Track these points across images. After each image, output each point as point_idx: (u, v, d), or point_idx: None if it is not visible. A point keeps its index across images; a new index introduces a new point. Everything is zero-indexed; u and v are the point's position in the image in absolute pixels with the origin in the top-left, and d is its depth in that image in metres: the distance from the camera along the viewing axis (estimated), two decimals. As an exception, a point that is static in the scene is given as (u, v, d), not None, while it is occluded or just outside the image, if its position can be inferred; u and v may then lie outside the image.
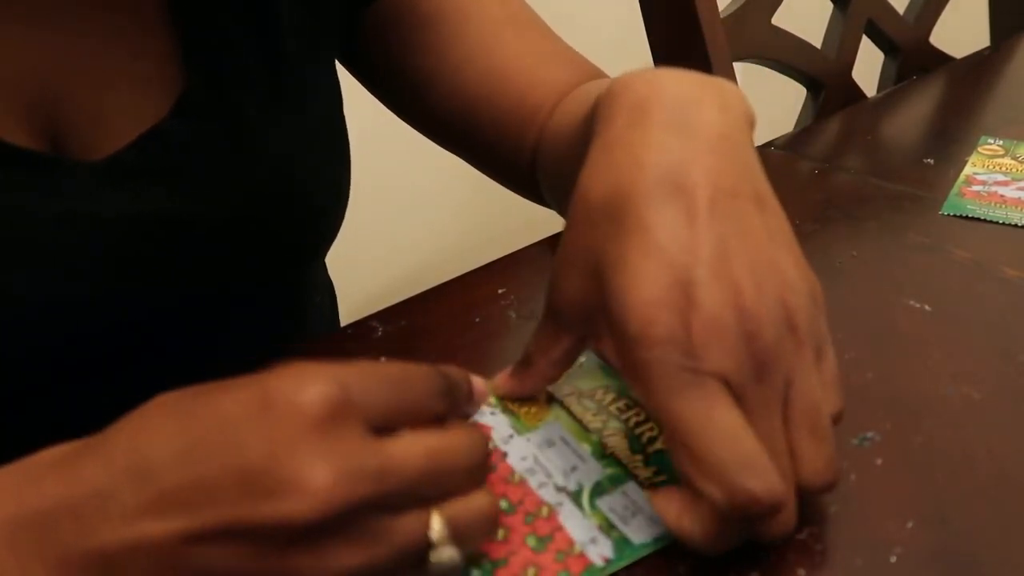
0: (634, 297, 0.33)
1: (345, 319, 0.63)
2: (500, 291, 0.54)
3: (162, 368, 0.49)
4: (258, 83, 0.49)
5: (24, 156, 0.42)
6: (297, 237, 0.54)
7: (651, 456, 0.40)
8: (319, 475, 0.28)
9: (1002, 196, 0.59)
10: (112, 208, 0.45)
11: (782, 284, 0.34)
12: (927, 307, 0.49)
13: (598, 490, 0.38)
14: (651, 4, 0.77)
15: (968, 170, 0.63)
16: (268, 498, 0.28)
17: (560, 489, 0.39)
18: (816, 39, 0.87)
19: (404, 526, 0.30)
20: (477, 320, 0.52)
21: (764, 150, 0.70)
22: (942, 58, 0.94)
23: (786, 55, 0.84)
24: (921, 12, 0.93)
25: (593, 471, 0.39)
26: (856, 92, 0.90)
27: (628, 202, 0.34)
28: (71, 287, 0.44)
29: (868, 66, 0.93)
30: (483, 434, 0.34)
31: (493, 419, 0.42)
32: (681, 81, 0.37)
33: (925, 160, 0.66)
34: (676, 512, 0.34)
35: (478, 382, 0.36)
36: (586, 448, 0.41)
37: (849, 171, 0.66)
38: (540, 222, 0.69)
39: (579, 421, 0.42)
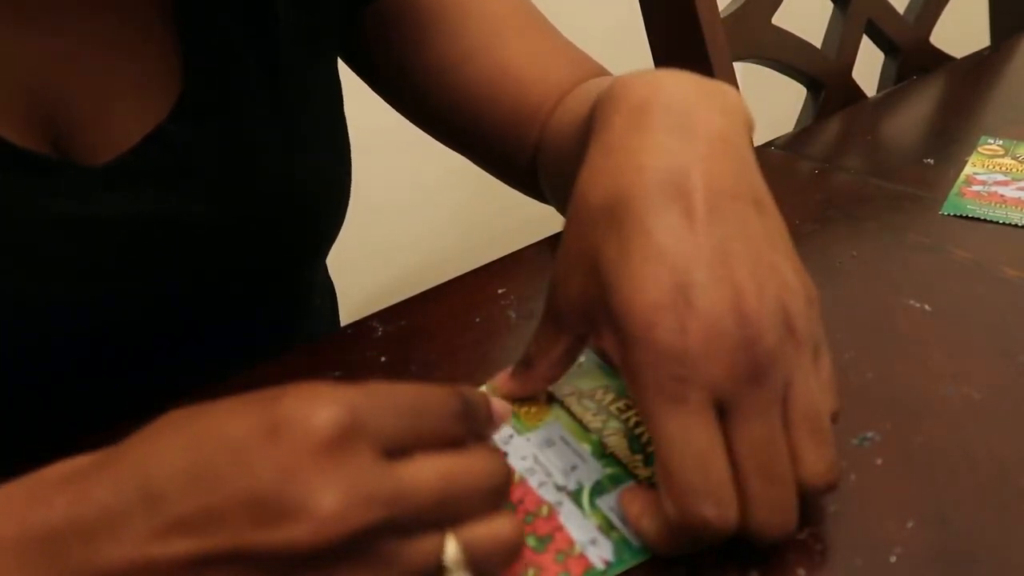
0: (635, 299, 0.33)
1: (345, 319, 0.63)
2: (500, 291, 0.54)
3: (163, 369, 0.49)
4: (258, 84, 0.49)
5: (26, 159, 0.42)
6: (298, 237, 0.54)
7: (651, 456, 0.40)
8: (328, 500, 0.28)
9: (1002, 196, 0.59)
10: (114, 210, 0.45)
11: (781, 286, 0.34)
12: (927, 307, 0.49)
13: (598, 489, 0.38)
14: (651, 4, 0.77)
15: (968, 170, 0.63)
16: (277, 523, 0.27)
17: (560, 488, 0.39)
18: (816, 39, 0.87)
19: (416, 550, 0.30)
20: (477, 320, 0.52)
21: (764, 150, 0.70)
22: (942, 58, 0.94)
23: (786, 55, 0.84)
24: (921, 12, 0.93)
25: (593, 471, 0.39)
26: (856, 92, 0.90)
27: (628, 204, 0.34)
28: (73, 288, 0.44)
29: (868, 66, 0.93)
30: (502, 457, 0.33)
31: (493, 419, 0.42)
32: (681, 83, 0.37)
33: (925, 160, 0.66)
34: (638, 510, 0.36)
35: (497, 403, 0.35)
36: (586, 448, 0.41)
37: (849, 171, 0.66)
38: (540, 222, 0.69)
39: (579, 421, 0.42)
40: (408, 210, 1.60)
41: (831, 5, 0.88)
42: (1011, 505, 0.37)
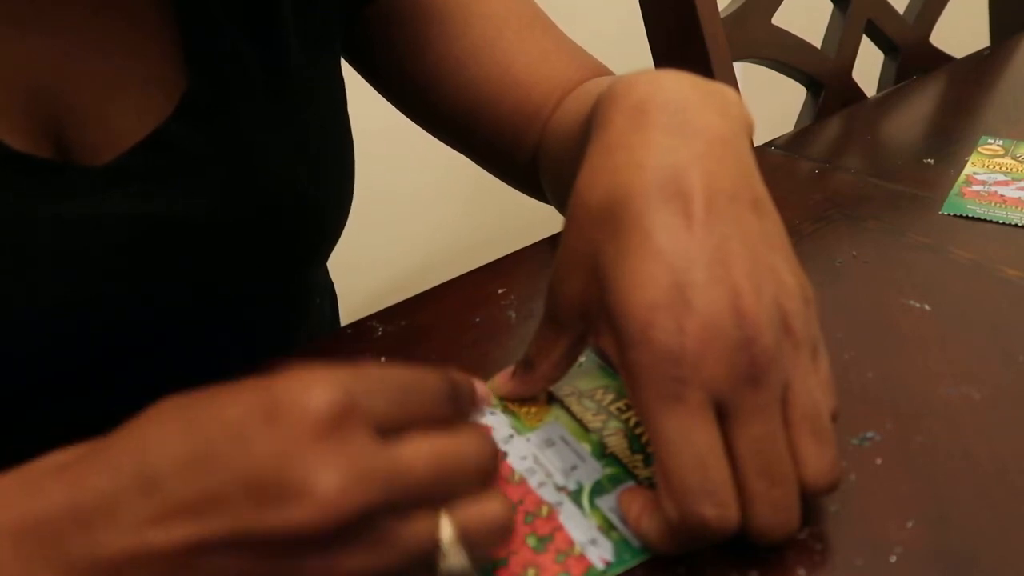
0: (633, 299, 0.33)
1: (345, 319, 0.63)
2: (500, 291, 0.54)
3: (164, 369, 0.49)
4: (260, 84, 0.49)
5: (28, 161, 0.42)
6: (300, 238, 0.54)
7: (651, 456, 0.40)
8: (327, 481, 0.28)
9: (1002, 196, 0.59)
10: (115, 211, 0.45)
11: (778, 287, 0.34)
12: (927, 307, 0.49)
13: (598, 490, 0.38)
14: (651, 4, 0.77)
15: (968, 170, 0.63)
16: (277, 505, 0.27)
17: (560, 488, 0.39)
18: (816, 39, 0.87)
19: (414, 530, 0.30)
20: (477, 320, 0.52)
21: (764, 150, 0.70)
22: (942, 58, 0.94)
23: (786, 55, 0.84)
24: (921, 12, 0.93)
25: (593, 471, 0.39)
26: (856, 92, 0.90)
27: (627, 204, 0.34)
28: (74, 290, 0.44)
29: (868, 66, 0.93)
30: (490, 435, 0.34)
31: (493, 419, 0.42)
32: (681, 84, 0.38)
33: (925, 160, 0.66)
34: (637, 511, 0.36)
35: (480, 386, 0.36)
36: (586, 448, 0.41)
37: (849, 171, 0.65)
38: (540, 222, 0.69)
39: (579, 421, 0.42)
40: (408, 210, 1.61)
41: (831, 5, 0.88)
42: (1011, 505, 0.37)
